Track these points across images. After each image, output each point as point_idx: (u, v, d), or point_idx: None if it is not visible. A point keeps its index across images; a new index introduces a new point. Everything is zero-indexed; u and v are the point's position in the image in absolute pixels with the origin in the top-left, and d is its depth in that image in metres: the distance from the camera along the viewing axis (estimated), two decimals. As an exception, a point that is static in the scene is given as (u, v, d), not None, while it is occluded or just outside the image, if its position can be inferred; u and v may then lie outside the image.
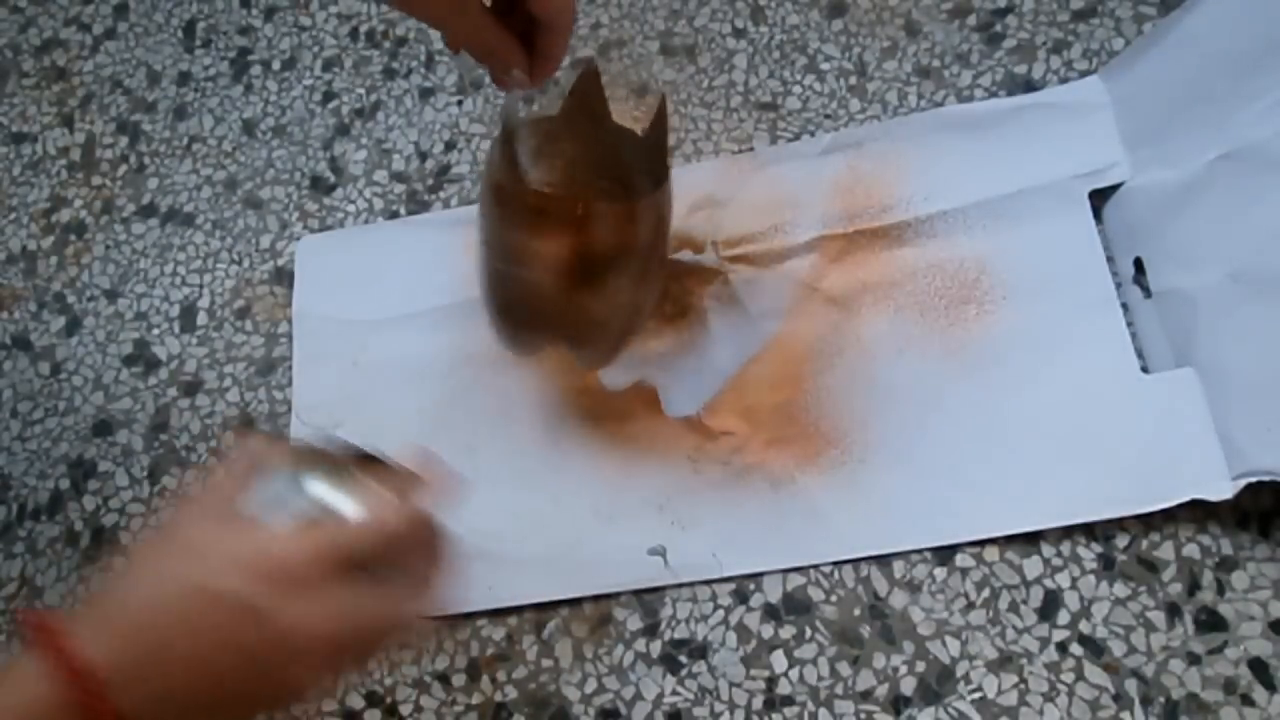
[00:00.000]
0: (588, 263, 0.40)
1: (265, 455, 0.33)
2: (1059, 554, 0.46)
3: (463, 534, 0.50)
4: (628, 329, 0.45)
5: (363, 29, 0.63)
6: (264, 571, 0.27)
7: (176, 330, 0.59)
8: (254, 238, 0.60)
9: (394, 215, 0.59)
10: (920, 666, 0.45)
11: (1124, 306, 0.48)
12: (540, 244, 0.39)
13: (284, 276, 0.58)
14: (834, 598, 0.47)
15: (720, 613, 0.48)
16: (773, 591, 0.47)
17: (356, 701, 0.49)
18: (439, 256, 0.55)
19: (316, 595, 0.28)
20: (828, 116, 0.56)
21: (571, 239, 0.39)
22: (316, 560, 0.28)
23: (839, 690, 0.45)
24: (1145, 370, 0.47)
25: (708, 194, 0.54)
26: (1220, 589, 0.44)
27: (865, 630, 0.46)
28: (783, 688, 0.46)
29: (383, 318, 0.55)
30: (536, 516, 0.50)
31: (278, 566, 0.27)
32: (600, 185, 0.45)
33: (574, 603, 0.49)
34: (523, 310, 0.43)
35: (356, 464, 0.34)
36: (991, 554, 0.46)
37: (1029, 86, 0.54)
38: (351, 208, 0.59)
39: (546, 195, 0.42)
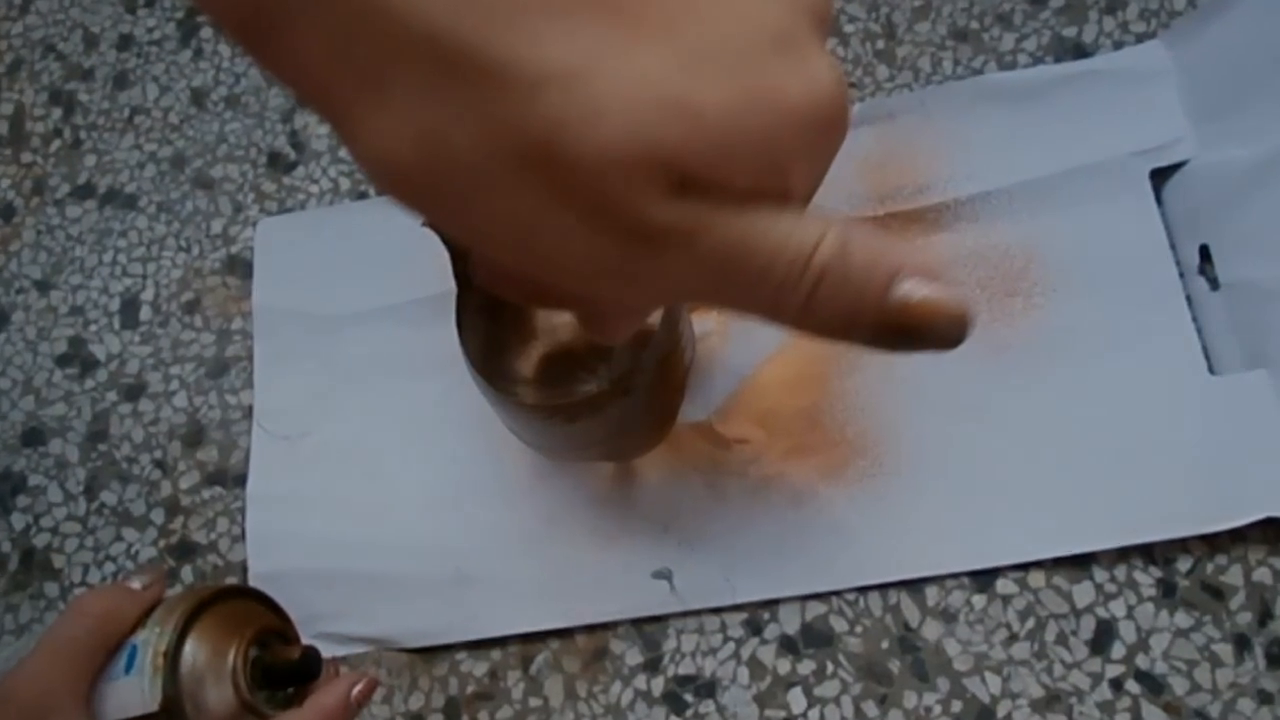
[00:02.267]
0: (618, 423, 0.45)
1: (121, 620, 0.35)
2: (1113, 579, 0.47)
3: (444, 557, 0.52)
4: (667, 426, 0.50)
5: (328, -15, 0.65)
6: None
7: (116, 326, 0.60)
8: (204, 222, 0.61)
9: (362, 196, 0.60)
10: (956, 706, 0.46)
11: (1188, 300, 0.50)
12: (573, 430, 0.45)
13: (238, 265, 0.60)
14: (859, 628, 0.48)
15: (731, 645, 0.49)
16: (790, 621, 0.49)
17: (320, 745, 0.50)
18: (418, 241, 0.56)
19: None
20: (852, 85, 0.57)
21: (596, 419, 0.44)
22: None
23: (865, 732, 0.47)
24: (1212, 372, 0.48)
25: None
26: (1295, 618, 0.45)
27: (894, 665, 0.47)
28: (802, 729, 0.47)
29: (354, 311, 0.57)
30: (526, 535, 0.51)
31: None
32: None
33: (566, 634, 0.50)
34: (565, 452, 0.51)
35: (253, 641, 0.37)
36: (1037, 579, 0.47)
37: (1079, 52, 0.55)
38: (315, 188, 0.61)
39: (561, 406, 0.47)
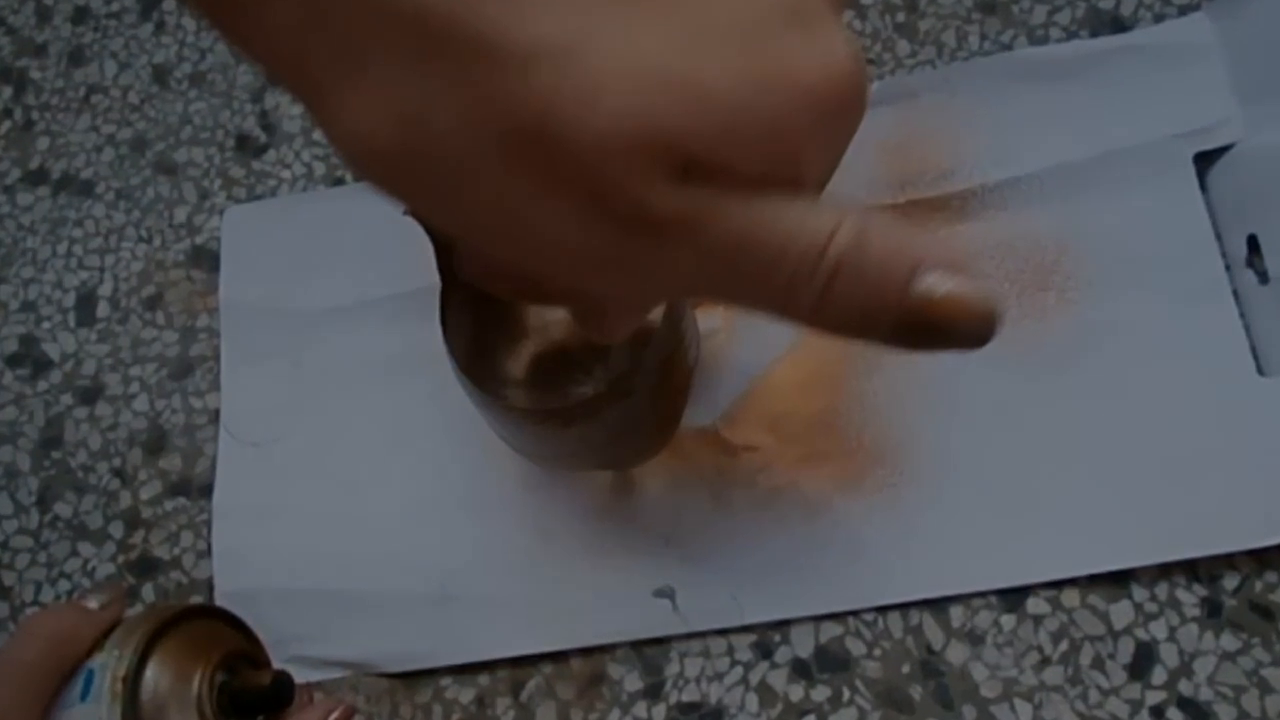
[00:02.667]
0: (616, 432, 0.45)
1: (76, 642, 0.34)
2: (1154, 598, 0.47)
3: (427, 573, 0.52)
4: (669, 432, 0.50)
5: (301, -47, 0.65)
6: None
7: (71, 324, 0.60)
8: (167, 210, 0.61)
9: (339, 182, 0.60)
10: (984, 735, 0.46)
11: (1235, 295, 0.50)
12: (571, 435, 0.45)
13: (204, 257, 0.60)
14: (878, 651, 0.48)
15: (738, 670, 0.49)
16: (803, 644, 0.49)
17: (293, 778, 0.50)
18: (398, 232, 0.56)
19: None
20: (871, 62, 0.57)
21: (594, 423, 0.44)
22: None
23: (885, 764, 0.47)
24: (1261, 373, 0.48)
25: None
26: (1351, 640, 0.45)
27: (916, 692, 0.47)
28: (816, 761, 0.47)
29: (330, 307, 0.57)
30: (516, 550, 0.51)
31: None
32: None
33: (559, 657, 0.50)
34: (558, 460, 0.51)
35: (220, 665, 0.37)
36: (1071, 598, 0.47)
37: (1117, 25, 0.55)
38: (287, 173, 0.61)
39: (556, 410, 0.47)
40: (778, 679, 0.48)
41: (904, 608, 0.48)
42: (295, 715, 0.37)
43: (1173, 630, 0.47)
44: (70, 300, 0.60)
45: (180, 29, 0.65)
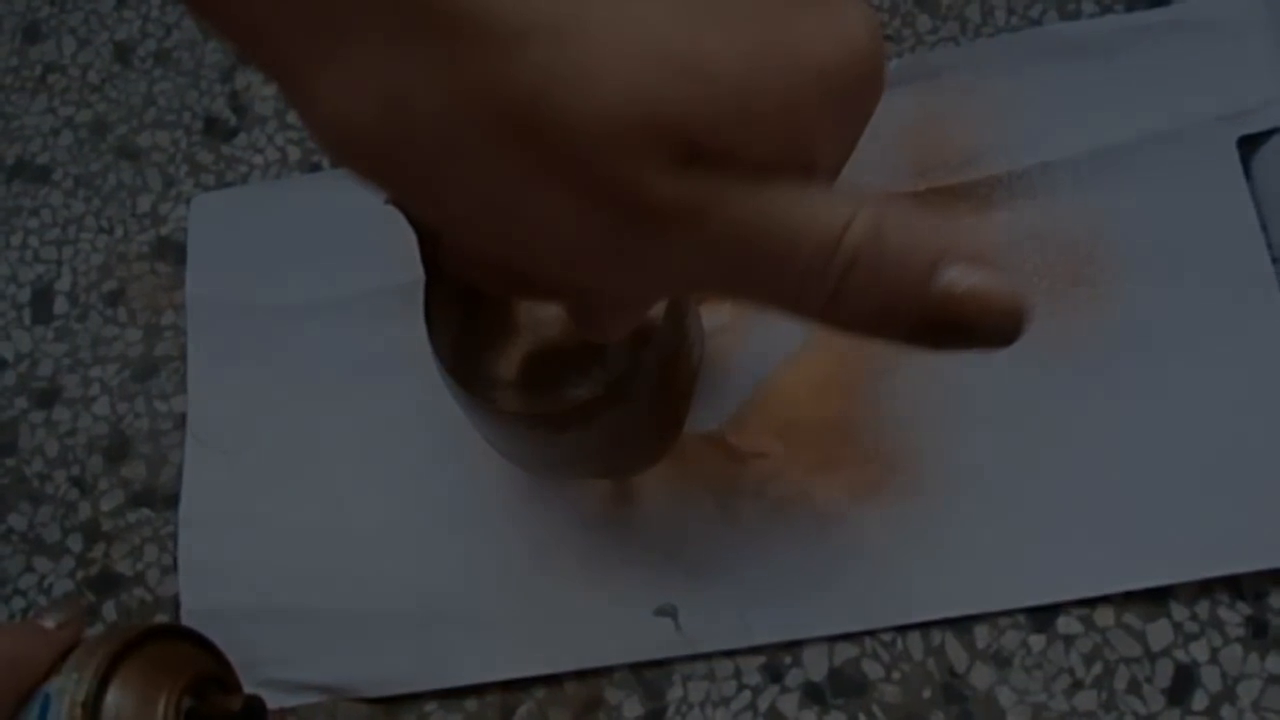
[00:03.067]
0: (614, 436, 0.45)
1: (32, 665, 0.34)
2: (1194, 617, 0.47)
3: (410, 591, 0.52)
4: (671, 438, 0.50)
5: (274, -79, 0.65)
6: None
7: (27, 321, 0.60)
8: (130, 199, 0.61)
9: (315, 169, 0.60)
10: (1011, 765, 0.46)
11: (1282, 290, 0.50)
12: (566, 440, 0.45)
13: (169, 249, 0.60)
14: (896, 674, 0.48)
15: (746, 694, 0.49)
16: (816, 666, 0.49)
17: (266, 811, 0.50)
18: (380, 222, 0.57)
19: None
20: (890, 38, 0.57)
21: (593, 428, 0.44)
22: None
23: (904, 796, 0.47)
24: (1310, 374, 0.49)
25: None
26: (1407, 663, 0.45)
27: (938, 717, 0.47)
28: (830, 793, 0.47)
29: (305, 303, 0.57)
30: (506, 566, 0.51)
31: None
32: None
33: (553, 681, 0.50)
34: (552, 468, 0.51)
35: (186, 689, 0.37)
36: (1105, 617, 0.48)
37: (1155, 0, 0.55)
38: (259, 159, 0.61)
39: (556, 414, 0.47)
40: (788, 704, 0.48)
41: (925, 627, 0.48)
42: None
43: (1215, 652, 0.47)
44: (25, 296, 0.61)
45: (144, 4, 0.65)
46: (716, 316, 0.53)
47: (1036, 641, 0.48)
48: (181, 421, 0.57)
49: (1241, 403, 0.49)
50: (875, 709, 0.48)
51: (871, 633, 0.49)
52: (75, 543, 0.56)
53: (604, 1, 0.17)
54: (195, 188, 0.61)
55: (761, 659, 0.49)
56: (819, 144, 0.20)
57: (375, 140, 0.18)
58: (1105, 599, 0.48)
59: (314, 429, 0.55)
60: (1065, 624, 0.48)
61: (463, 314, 0.48)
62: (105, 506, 0.56)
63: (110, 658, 0.36)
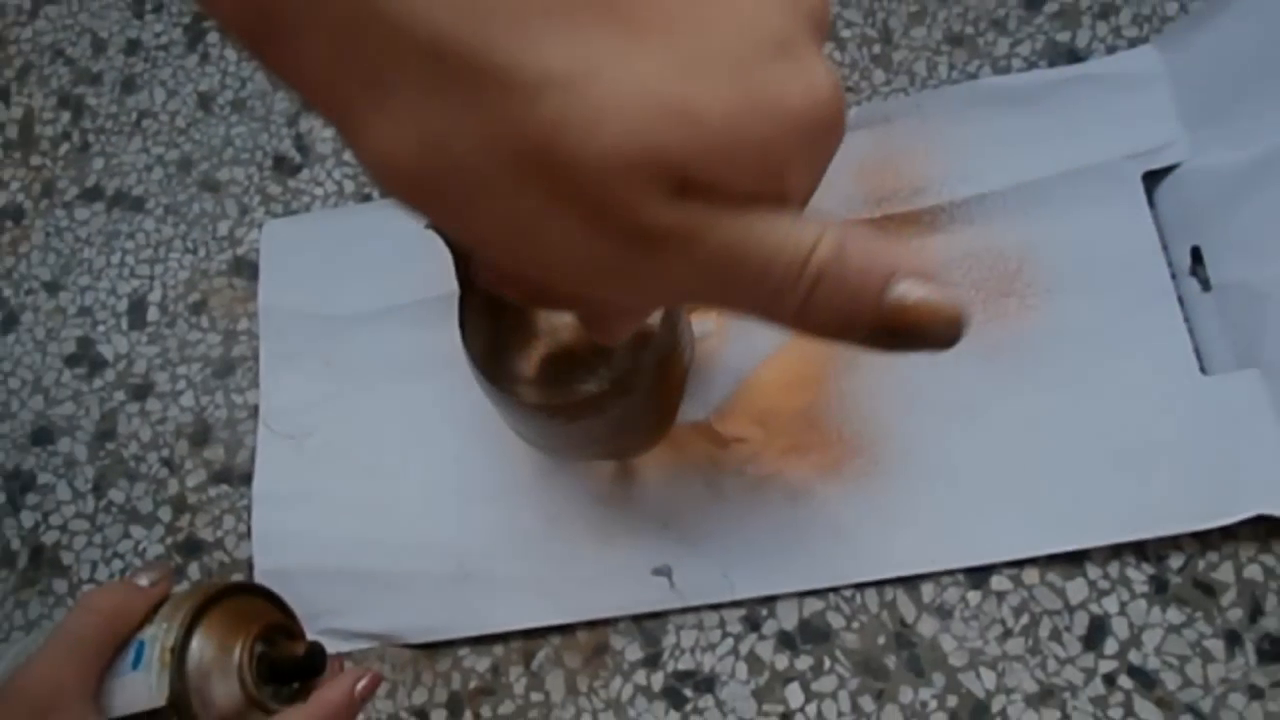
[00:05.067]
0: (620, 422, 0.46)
1: (129, 616, 0.34)
2: (1106, 576, 0.47)
3: (446, 554, 0.52)
4: (667, 425, 0.50)
5: (333, -9, 0.65)
6: None
7: (124, 327, 0.60)
8: (210, 224, 0.61)
9: (366, 199, 0.60)
10: (952, 701, 0.46)
11: (1180, 301, 0.50)
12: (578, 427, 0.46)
13: (244, 267, 0.60)
14: (856, 624, 0.48)
15: (729, 641, 0.49)
16: (788, 617, 0.49)
17: (325, 740, 0.50)
18: (421, 244, 0.57)
19: None
20: (849, 89, 0.57)
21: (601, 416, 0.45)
22: None
23: (862, 727, 0.47)
24: (1204, 372, 0.49)
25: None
26: (1286, 614, 0.45)
27: (890, 661, 0.47)
28: (800, 724, 0.47)
29: (358, 312, 0.57)
30: (527, 533, 0.51)
31: None
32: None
33: (567, 630, 0.50)
34: (566, 451, 0.51)
35: (258, 636, 0.37)
36: (1031, 576, 0.48)
37: (1073, 56, 0.55)
38: (319, 190, 0.61)
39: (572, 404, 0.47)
40: (765, 649, 0.48)
41: (879, 585, 0.48)
42: (327, 683, 0.37)
43: (1123, 605, 0.47)
44: (123, 306, 0.61)
45: (223, 59, 0.65)
46: (705, 323, 0.53)
47: (974, 597, 0.48)
48: (254, 412, 0.57)
49: (1145, 395, 0.48)
50: (838, 653, 0.48)
51: (835, 589, 0.49)
52: (165, 514, 0.56)
53: (610, 57, 0.17)
54: (266, 215, 0.61)
55: (742, 611, 0.49)
56: (791, 178, 0.20)
57: (417, 175, 0.18)
58: (1031, 560, 0.48)
59: (366, 418, 0.55)
60: (998, 582, 0.48)
61: (491, 322, 0.48)
62: (190, 483, 0.56)
63: (194, 610, 0.36)
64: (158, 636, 0.35)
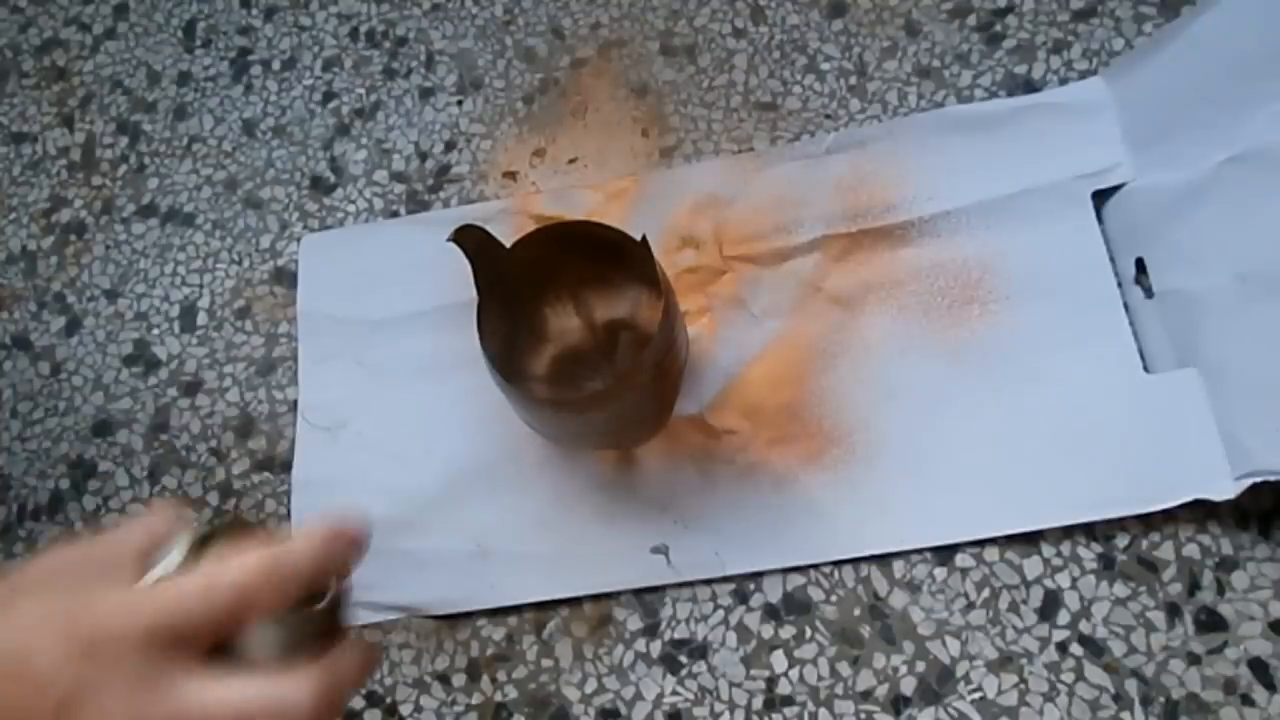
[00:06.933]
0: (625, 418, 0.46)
1: (164, 531, 0.33)
2: (1059, 554, 0.47)
3: (466, 534, 0.52)
4: (664, 419, 0.50)
5: (363, 29, 0.65)
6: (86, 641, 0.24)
7: (176, 330, 0.60)
8: (254, 238, 0.61)
9: (394, 215, 0.60)
10: (920, 666, 0.46)
11: (1125, 307, 0.50)
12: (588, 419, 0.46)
13: (284, 276, 0.60)
14: (834, 598, 0.48)
15: (720, 613, 0.49)
16: (773, 591, 0.49)
17: (356, 701, 0.50)
18: (440, 255, 0.57)
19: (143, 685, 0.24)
20: (828, 116, 0.57)
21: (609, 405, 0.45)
22: (148, 636, 0.25)
23: (839, 690, 0.46)
24: (1147, 370, 0.48)
25: (710, 194, 0.55)
26: (1220, 589, 0.45)
27: (865, 630, 0.47)
28: (783, 688, 0.47)
29: (385, 317, 0.57)
30: (538, 515, 0.51)
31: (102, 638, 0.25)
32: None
33: (574, 602, 0.50)
34: (573, 441, 0.51)
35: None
36: (992, 554, 0.47)
37: (1029, 87, 0.55)
38: (352, 208, 0.61)
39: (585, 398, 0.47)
40: (752, 620, 0.48)
41: (856, 562, 0.48)
42: (337, 647, 0.35)
43: (1075, 580, 0.47)
44: (175, 311, 0.60)
45: (265, 89, 0.65)
46: (698, 327, 0.53)
47: (940, 572, 0.48)
48: (294, 407, 0.57)
49: (1094, 391, 0.48)
50: (818, 624, 0.48)
51: (815, 566, 0.48)
52: (213, 498, 0.56)
53: None
54: (304, 229, 0.61)
55: (732, 586, 0.49)
56: None
57: None
58: (992, 540, 0.47)
59: (393, 412, 0.55)
60: (962, 559, 0.48)
61: (506, 325, 0.48)
62: (236, 471, 0.56)
63: (218, 520, 0.35)
64: (186, 535, 0.33)
